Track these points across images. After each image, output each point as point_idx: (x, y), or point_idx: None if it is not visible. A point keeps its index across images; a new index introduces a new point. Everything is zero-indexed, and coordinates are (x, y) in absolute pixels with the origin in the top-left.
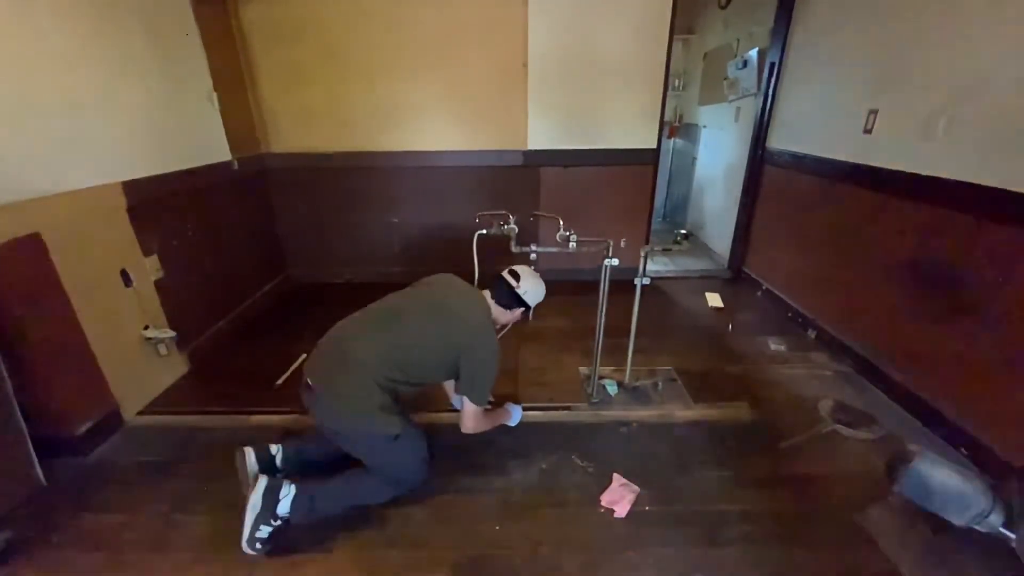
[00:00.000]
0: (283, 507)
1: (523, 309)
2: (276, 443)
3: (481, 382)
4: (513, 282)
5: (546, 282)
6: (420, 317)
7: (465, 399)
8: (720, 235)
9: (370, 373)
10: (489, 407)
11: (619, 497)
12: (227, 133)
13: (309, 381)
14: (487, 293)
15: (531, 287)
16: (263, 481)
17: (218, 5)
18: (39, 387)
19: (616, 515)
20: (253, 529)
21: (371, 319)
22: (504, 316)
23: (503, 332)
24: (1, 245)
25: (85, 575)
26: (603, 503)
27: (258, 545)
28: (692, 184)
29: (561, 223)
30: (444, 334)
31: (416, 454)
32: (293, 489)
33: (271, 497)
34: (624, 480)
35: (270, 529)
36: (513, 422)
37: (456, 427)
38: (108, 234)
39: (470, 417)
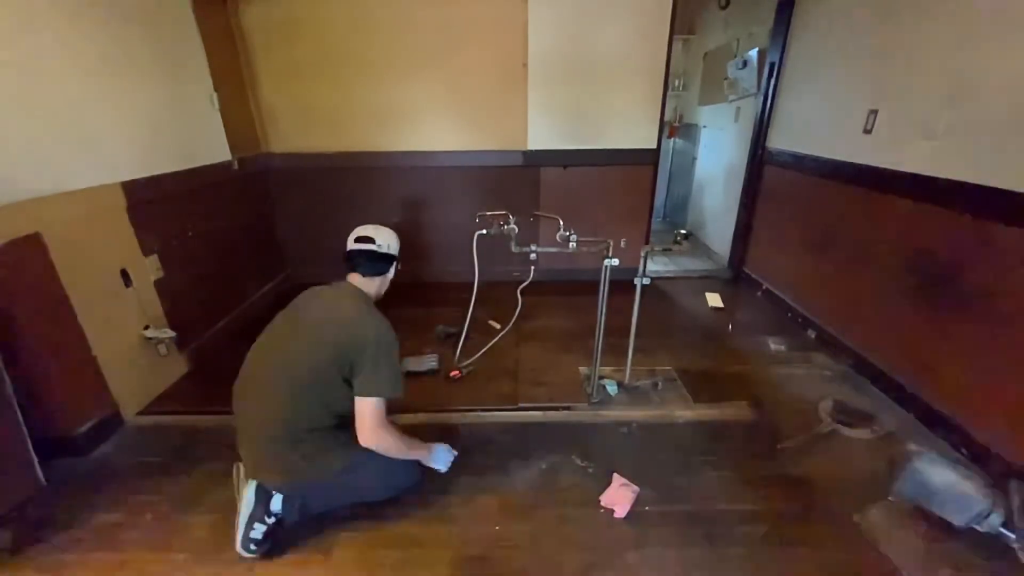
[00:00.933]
0: (276, 503)
1: (394, 264)
2: None
3: (386, 366)
4: (372, 246)
5: (546, 282)
6: (303, 351)
7: (364, 399)
8: (720, 235)
9: (288, 438)
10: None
11: (619, 497)
12: (227, 133)
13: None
14: (355, 278)
15: (387, 238)
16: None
17: (218, 5)
18: (39, 387)
19: (616, 515)
20: (247, 528)
21: (260, 382)
22: (384, 285)
23: None
24: (1, 245)
25: (85, 575)
26: (603, 503)
27: (252, 547)
28: (692, 184)
29: (561, 223)
30: (335, 352)
31: (384, 467)
32: None
33: (264, 492)
34: (624, 480)
35: (264, 528)
36: (435, 464)
37: (455, 427)
38: (108, 234)
39: (368, 418)
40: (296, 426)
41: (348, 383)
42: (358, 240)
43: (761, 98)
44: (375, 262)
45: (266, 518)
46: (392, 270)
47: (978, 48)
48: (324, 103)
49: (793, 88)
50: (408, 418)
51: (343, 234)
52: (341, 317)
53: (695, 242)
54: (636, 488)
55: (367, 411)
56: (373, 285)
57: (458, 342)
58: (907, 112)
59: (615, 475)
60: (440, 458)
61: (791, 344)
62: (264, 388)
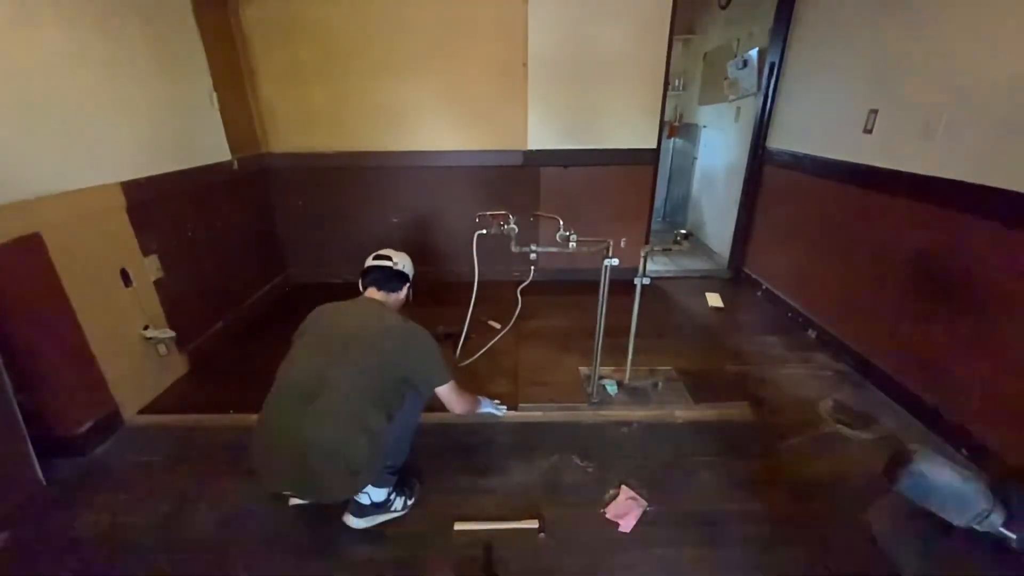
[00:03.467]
0: (378, 495)
1: (407, 286)
2: None
3: (436, 365)
4: (388, 263)
5: (546, 282)
6: (349, 362)
7: (441, 388)
8: (720, 235)
9: (356, 427)
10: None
11: (626, 511)
12: (227, 133)
13: (289, 495)
14: (373, 292)
15: (403, 259)
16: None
17: (218, 5)
18: (39, 387)
19: (621, 529)
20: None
21: (297, 395)
22: (398, 302)
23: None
24: (1, 245)
25: (84, 575)
26: (609, 516)
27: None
28: (692, 184)
29: (561, 223)
30: (385, 361)
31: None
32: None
33: (372, 508)
34: (632, 494)
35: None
36: (486, 408)
37: (455, 427)
38: (108, 234)
39: (451, 396)
40: (359, 422)
41: (394, 386)
42: (376, 258)
43: (761, 98)
44: (391, 278)
45: (387, 507)
46: (406, 290)
47: (978, 48)
48: (324, 103)
49: (793, 88)
50: None
51: (343, 234)
52: (394, 329)
53: (695, 242)
54: (644, 503)
55: (446, 393)
56: (389, 301)
57: (458, 342)
58: (907, 112)
59: (623, 487)
60: (487, 407)
61: (791, 344)
62: (320, 394)
